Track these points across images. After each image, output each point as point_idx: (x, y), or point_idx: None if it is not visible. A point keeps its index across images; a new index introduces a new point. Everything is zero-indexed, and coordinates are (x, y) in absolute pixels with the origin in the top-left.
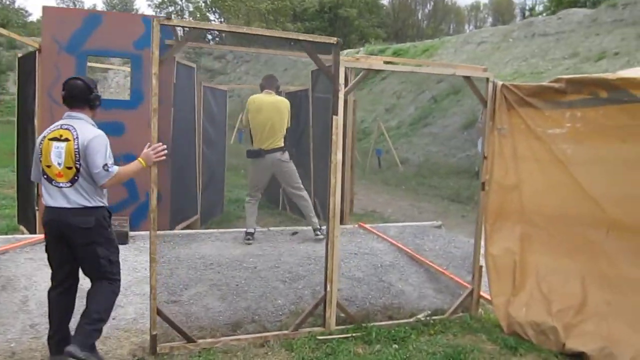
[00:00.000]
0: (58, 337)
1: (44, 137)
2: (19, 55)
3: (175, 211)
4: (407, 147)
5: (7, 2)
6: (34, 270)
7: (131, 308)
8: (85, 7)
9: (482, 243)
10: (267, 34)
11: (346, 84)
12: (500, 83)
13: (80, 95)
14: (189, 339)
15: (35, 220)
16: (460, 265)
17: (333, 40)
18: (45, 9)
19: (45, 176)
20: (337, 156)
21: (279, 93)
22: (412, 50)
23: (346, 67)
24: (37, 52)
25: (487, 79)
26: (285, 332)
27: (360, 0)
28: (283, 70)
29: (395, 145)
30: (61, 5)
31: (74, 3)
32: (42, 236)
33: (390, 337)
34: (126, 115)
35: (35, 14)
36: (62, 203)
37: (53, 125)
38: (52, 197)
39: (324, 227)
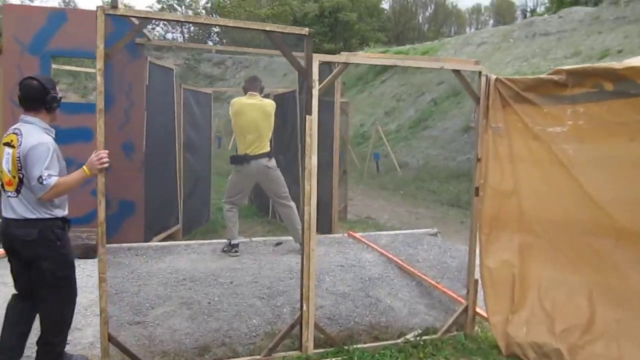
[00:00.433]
0: (9, 354)
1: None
2: None
3: (151, 222)
4: (406, 151)
5: None
6: None
7: (89, 331)
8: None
9: (477, 254)
10: (229, 24)
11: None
12: (493, 77)
13: (35, 97)
14: None
15: None
16: (456, 278)
17: (304, 31)
18: (5, 6)
19: (0, 183)
20: (312, 160)
21: (266, 95)
22: (411, 52)
23: (321, 63)
24: None
25: (480, 73)
26: (257, 357)
27: (361, 4)
28: (282, 75)
29: (395, 149)
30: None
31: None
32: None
33: None
34: (94, 120)
35: None
36: (9, 214)
37: (9, 129)
38: (3, 207)
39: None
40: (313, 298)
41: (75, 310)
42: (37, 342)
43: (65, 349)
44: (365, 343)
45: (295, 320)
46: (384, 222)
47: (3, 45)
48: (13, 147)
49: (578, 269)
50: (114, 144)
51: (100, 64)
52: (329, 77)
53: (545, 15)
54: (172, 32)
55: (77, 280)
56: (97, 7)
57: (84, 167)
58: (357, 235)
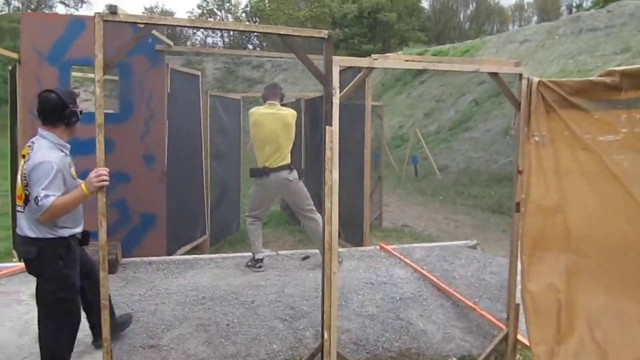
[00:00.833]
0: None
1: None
2: (10, 67)
3: (175, 233)
4: (446, 154)
5: None
6: (2, 306)
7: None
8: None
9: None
10: (240, 28)
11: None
12: (536, 80)
13: (52, 111)
14: None
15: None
16: (496, 297)
17: (323, 34)
18: (24, 15)
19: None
20: (333, 175)
21: (297, 100)
22: (451, 51)
23: (342, 69)
24: (17, 63)
25: (520, 75)
26: None
27: (400, 3)
28: None
29: (434, 151)
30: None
31: None
32: (22, 265)
33: None
34: (115, 130)
35: None
36: (18, 228)
37: (29, 141)
38: (17, 220)
39: (342, 251)
40: (335, 325)
41: (87, 333)
42: None
43: None
44: None
45: (316, 349)
46: (420, 230)
47: (21, 56)
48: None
49: (634, 294)
50: (134, 154)
51: (99, 74)
52: (350, 85)
53: (593, 10)
54: (212, 37)
55: None
56: (95, 13)
57: (82, 185)
58: (390, 248)
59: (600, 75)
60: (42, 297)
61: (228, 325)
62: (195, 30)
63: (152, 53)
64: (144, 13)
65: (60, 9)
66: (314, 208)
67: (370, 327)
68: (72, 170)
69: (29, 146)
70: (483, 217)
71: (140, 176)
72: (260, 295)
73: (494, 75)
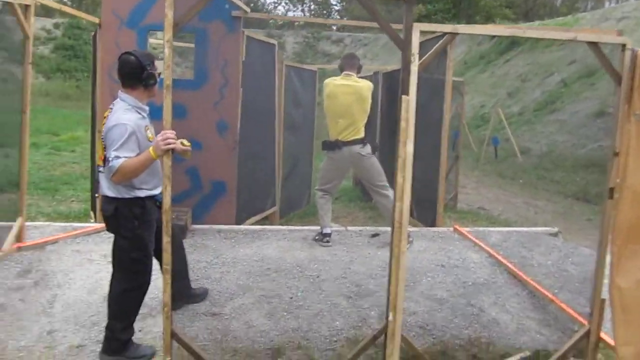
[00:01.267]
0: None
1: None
2: (92, 34)
3: (245, 203)
4: (529, 136)
5: None
6: (74, 265)
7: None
8: None
9: (607, 269)
10: None
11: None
12: None
13: (131, 73)
14: None
15: (96, 208)
16: (577, 290)
17: None
18: None
19: None
20: (407, 148)
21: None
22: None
23: (421, 32)
24: (98, 28)
25: (623, 46)
26: None
27: None
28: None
29: (516, 133)
30: None
31: None
32: (98, 226)
33: None
34: (188, 97)
35: None
36: (100, 188)
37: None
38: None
39: (413, 231)
40: (401, 307)
41: (152, 296)
42: (106, 327)
43: (134, 338)
44: None
45: (380, 331)
46: (497, 214)
47: (102, 20)
48: None
49: None
50: (207, 122)
51: (168, 34)
52: (431, 50)
53: None
54: (294, 11)
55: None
56: None
57: (150, 148)
58: (464, 230)
59: None
60: (117, 255)
61: (291, 298)
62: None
63: (229, 19)
64: None
65: None
66: (387, 184)
67: (438, 311)
68: (149, 132)
69: (110, 108)
70: (566, 204)
71: (212, 144)
72: (326, 270)
73: (593, 45)
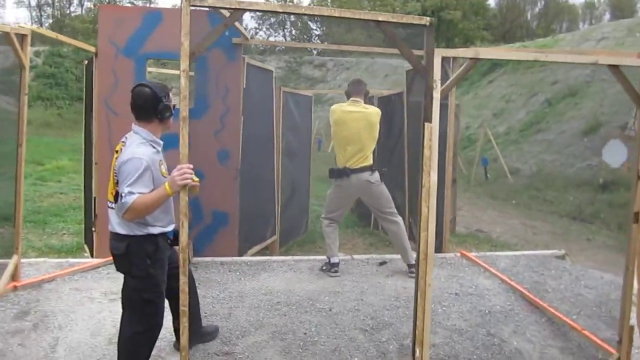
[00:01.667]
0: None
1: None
2: (85, 62)
3: (246, 233)
4: (517, 156)
5: None
6: (75, 304)
7: None
8: None
9: (635, 293)
10: (335, 15)
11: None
12: None
13: (145, 105)
14: None
15: (93, 243)
16: (595, 315)
17: (425, 20)
18: (101, 8)
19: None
20: (432, 177)
21: (370, 98)
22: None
23: (443, 59)
24: (94, 56)
25: None
26: None
27: (465, 1)
28: (384, 77)
29: (504, 153)
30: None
31: None
32: (95, 262)
33: None
34: (189, 126)
35: None
36: (109, 225)
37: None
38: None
39: None
40: (428, 342)
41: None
42: None
43: None
44: None
45: None
46: (496, 236)
47: (98, 48)
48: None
49: None
50: (208, 151)
51: (185, 64)
52: (453, 77)
53: None
54: (275, 36)
55: None
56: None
57: (165, 183)
58: (472, 255)
59: None
60: (128, 296)
61: (305, 334)
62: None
63: (229, 46)
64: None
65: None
66: (395, 211)
67: (459, 342)
68: (163, 167)
69: (123, 142)
70: (562, 224)
71: (213, 173)
72: (338, 302)
73: (614, 68)
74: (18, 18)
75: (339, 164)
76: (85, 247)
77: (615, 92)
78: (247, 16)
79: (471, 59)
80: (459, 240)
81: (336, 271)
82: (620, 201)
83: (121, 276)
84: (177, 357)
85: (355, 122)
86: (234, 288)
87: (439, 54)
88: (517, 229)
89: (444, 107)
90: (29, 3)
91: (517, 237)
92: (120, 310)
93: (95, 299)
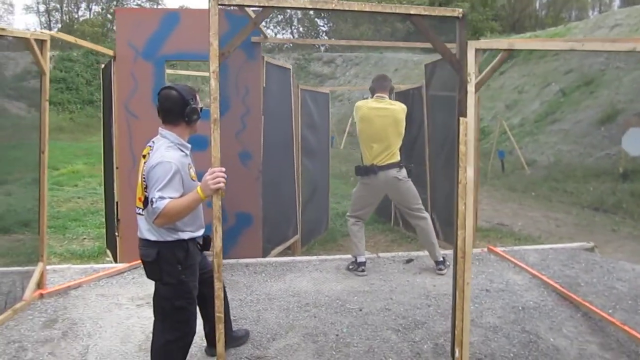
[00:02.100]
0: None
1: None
2: (102, 65)
3: (269, 234)
4: (533, 147)
5: None
6: (102, 311)
7: None
8: None
9: None
10: (366, 9)
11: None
12: None
13: (173, 109)
14: None
15: (116, 247)
16: (632, 309)
17: (457, 12)
18: (118, 12)
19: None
20: (468, 173)
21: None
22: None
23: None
24: (112, 60)
25: None
26: None
27: None
28: (394, 71)
29: (520, 145)
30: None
31: None
32: (120, 267)
33: None
34: (209, 127)
35: None
36: (138, 231)
37: (150, 141)
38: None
39: (447, 254)
40: (467, 342)
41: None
42: None
43: None
44: None
45: None
46: (518, 229)
47: (116, 52)
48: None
49: None
50: (230, 153)
51: (214, 64)
52: (487, 69)
53: None
54: (282, 34)
55: None
56: None
57: (197, 188)
58: (500, 250)
59: None
60: (159, 304)
61: (337, 335)
62: (266, 27)
63: (248, 45)
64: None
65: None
66: (422, 207)
67: (494, 340)
68: (192, 171)
69: (150, 146)
70: (585, 215)
71: (236, 175)
72: (368, 302)
73: None
74: (27, 24)
75: (365, 161)
76: (108, 251)
77: (631, 80)
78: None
79: (505, 50)
80: (482, 234)
81: (363, 270)
82: None
83: (147, 281)
84: None
85: (381, 118)
86: (261, 290)
87: (472, 46)
88: (539, 222)
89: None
90: (38, 9)
91: (540, 229)
92: (149, 315)
93: (123, 305)
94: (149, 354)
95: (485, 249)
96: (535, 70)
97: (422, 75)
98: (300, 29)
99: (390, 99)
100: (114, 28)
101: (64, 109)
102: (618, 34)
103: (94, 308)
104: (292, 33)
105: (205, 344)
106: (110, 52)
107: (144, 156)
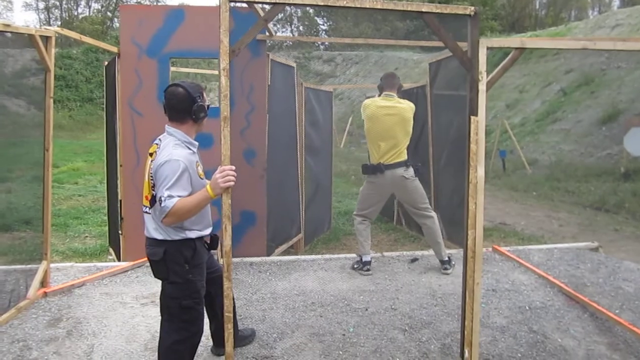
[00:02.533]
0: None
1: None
2: (105, 63)
3: (273, 232)
4: (534, 147)
5: None
6: (107, 310)
7: None
8: None
9: None
10: (377, 7)
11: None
12: None
13: (180, 106)
14: None
15: (119, 246)
16: (639, 309)
17: (469, 10)
18: (122, 8)
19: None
20: (479, 172)
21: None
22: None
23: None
24: (116, 57)
25: None
26: None
27: None
28: (394, 70)
29: (521, 144)
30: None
31: None
32: (124, 265)
33: None
34: (214, 125)
35: None
36: (145, 230)
37: (156, 138)
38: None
39: (452, 253)
40: (477, 342)
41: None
42: None
43: None
44: None
45: None
46: (521, 229)
47: (121, 49)
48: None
49: None
50: (234, 150)
51: (224, 62)
52: (499, 67)
53: None
54: (282, 32)
55: None
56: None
57: (207, 186)
58: (504, 250)
59: None
60: (166, 303)
61: (344, 335)
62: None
63: (253, 43)
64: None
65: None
66: (429, 206)
67: (501, 340)
68: (200, 169)
69: (156, 144)
70: (587, 214)
71: (240, 173)
72: (373, 302)
73: None
74: (26, 21)
75: (372, 160)
76: (110, 249)
77: (632, 80)
78: None
79: (517, 48)
80: (485, 234)
81: (368, 269)
82: None
83: (151, 279)
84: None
85: (388, 117)
86: (266, 289)
87: (484, 44)
88: (541, 221)
89: (461, 100)
90: (37, 6)
91: (542, 229)
92: (154, 314)
93: (127, 304)
94: (155, 353)
95: (490, 249)
96: (536, 69)
97: (423, 74)
98: (301, 27)
99: (398, 97)
100: (117, 25)
101: (63, 107)
102: (619, 34)
103: (99, 307)
104: (292, 31)
105: (211, 343)
106: (115, 49)
107: (151, 154)
